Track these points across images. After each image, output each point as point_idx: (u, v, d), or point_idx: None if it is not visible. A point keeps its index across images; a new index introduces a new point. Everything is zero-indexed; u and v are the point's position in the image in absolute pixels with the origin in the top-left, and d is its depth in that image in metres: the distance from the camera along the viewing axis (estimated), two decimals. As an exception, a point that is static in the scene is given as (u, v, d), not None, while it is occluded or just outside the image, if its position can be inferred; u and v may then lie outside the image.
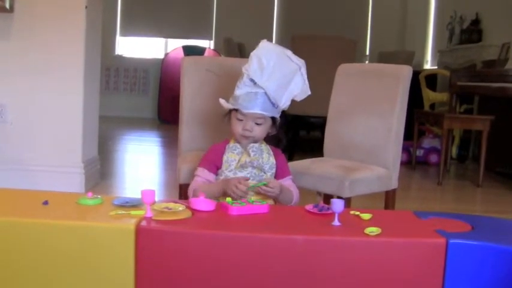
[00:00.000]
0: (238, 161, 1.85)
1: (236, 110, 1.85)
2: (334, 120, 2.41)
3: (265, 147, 1.90)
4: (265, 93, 1.81)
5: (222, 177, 1.85)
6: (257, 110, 1.82)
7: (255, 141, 1.88)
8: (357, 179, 2.09)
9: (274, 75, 1.80)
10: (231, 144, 1.89)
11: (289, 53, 1.85)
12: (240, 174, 1.83)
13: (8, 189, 1.70)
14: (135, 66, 8.25)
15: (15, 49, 3.12)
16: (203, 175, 1.87)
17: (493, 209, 3.50)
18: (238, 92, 1.83)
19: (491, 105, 4.70)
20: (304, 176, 2.17)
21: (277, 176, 1.90)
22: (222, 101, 1.89)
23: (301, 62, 1.85)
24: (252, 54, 1.81)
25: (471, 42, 5.72)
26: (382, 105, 2.26)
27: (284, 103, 1.85)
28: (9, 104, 3.15)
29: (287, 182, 1.91)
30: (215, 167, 1.88)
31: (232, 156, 1.86)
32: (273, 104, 1.83)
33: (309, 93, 1.88)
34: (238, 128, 1.85)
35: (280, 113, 1.89)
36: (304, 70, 1.85)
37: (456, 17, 6.15)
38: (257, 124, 1.85)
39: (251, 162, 1.85)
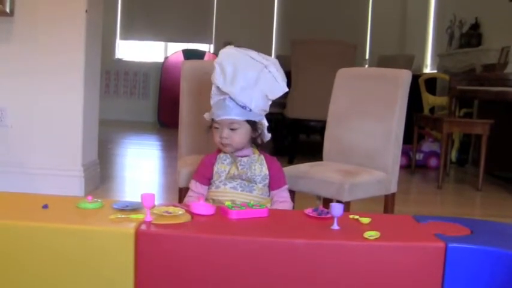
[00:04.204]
0: (228, 172, 1.85)
1: (213, 119, 1.87)
2: (333, 124, 2.41)
3: (259, 158, 1.89)
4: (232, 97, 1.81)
5: (213, 188, 1.87)
6: (227, 116, 1.82)
7: (238, 149, 1.86)
8: (356, 183, 2.09)
9: (236, 79, 1.78)
10: (222, 154, 1.89)
11: (253, 54, 1.84)
12: (229, 185, 1.84)
13: (8, 193, 1.70)
14: (135, 70, 8.26)
15: (15, 53, 3.12)
16: (195, 189, 1.90)
17: (492, 213, 3.50)
18: (212, 101, 1.86)
19: (490, 109, 4.70)
20: (304, 179, 2.17)
21: (271, 186, 1.89)
22: (206, 114, 1.92)
23: (269, 61, 1.83)
24: (214, 62, 1.82)
25: (471, 46, 5.72)
26: (381, 109, 2.27)
27: (256, 104, 1.82)
28: (9, 107, 3.15)
29: (282, 193, 1.90)
30: (206, 179, 1.89)
31: (222, 167, 1.87)
32: (243, 107, 1.81)
33: (286, 89, 1.84)
34: (216, 137, 1.86)
35: (261, 116, 1.87)
36: (273, 68, 1.81)
37: (456, 21, 6.15)
38: (232, 130, 1.83)
39: (239, 175, 1.85)
